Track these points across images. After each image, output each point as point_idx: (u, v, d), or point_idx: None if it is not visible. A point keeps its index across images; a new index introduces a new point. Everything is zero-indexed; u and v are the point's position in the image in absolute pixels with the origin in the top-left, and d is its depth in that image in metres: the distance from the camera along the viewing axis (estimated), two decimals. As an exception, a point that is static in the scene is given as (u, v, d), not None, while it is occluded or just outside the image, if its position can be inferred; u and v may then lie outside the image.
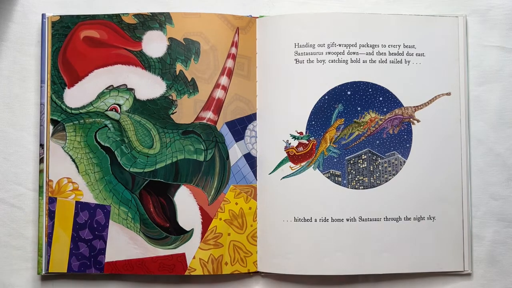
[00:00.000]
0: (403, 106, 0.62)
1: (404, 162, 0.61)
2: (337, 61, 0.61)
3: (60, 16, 0.62)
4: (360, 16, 0.62)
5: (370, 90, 0.61)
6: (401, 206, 0.61)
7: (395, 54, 0.62)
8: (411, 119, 0.61)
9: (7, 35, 0.63)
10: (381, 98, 0.61)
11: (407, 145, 0.61)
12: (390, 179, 0.61)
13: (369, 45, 0.61)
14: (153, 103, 0.61)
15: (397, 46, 0.62)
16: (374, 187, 0.61)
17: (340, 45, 0.61)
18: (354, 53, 0.61)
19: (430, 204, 0.61)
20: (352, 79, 0.61)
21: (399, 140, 0.61)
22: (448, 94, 0.62)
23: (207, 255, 0.60)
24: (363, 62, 0.61)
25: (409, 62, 0.62)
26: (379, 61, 0.61)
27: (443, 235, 0.61)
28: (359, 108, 0.61)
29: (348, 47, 0.61)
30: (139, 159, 0.61)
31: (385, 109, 0.61)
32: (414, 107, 0.61)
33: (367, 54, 0.61)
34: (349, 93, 0.61)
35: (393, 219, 0.60)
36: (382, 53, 0.61)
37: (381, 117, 0.61)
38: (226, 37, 0.62)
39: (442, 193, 0.61)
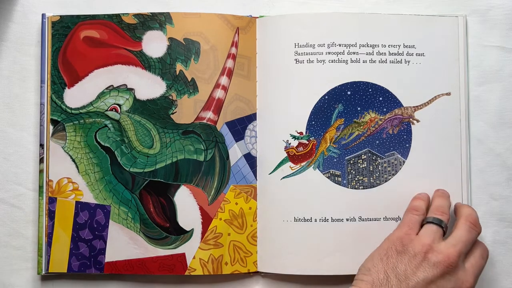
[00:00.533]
0: (403, 106, 0.61)
1: (404, 162, 0.61)
2: (337, 61, 0.61)
3: (60, 16, 0.62)
4: (360, 16, 0.62)
5: (370, 90, 0.61)
6: (401, 206, 0.60)
7: (395, 54, 0.61)
8: (411, 119, 0.61)
9: (7, 35, 0.63)
10: (381, 98, 0.61)
11: (407, 145, 0.61)
12: (390, 179, 0.61)
13: (369, 45, 0.61)
14: (153, 103, 0.61)
15: (397, 46, 0.62)
16: (374, 187, 0.61)
17: (340, 45, 0.61)
18: (354, 53, 0.61)
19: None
20: (352, 79, 0.61)
21: (399, 140, 0.61)
22: (448, 94, 0.62)
23: (207, 255, 0.60)
24: (363, 62, 0.61)
25: (409, 62, 0.62)
26: (379, 61, 0.61)
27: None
28: (359, 108, 0.61)
29: (348, 47, 0.61)
30: (139, 159, 0.61)
31: (385, 109, 0.61)
32: (414, 107, 0.61)
33: (367, 54, 0.61)
34: (349, 93, 0.61)
35: (393, 219, 0.60)
36: (382, 53, 0.61)
37: (381, 117, 0.61)
38: (226, 37, 0.62)
39: (442, 193, 0.61)
